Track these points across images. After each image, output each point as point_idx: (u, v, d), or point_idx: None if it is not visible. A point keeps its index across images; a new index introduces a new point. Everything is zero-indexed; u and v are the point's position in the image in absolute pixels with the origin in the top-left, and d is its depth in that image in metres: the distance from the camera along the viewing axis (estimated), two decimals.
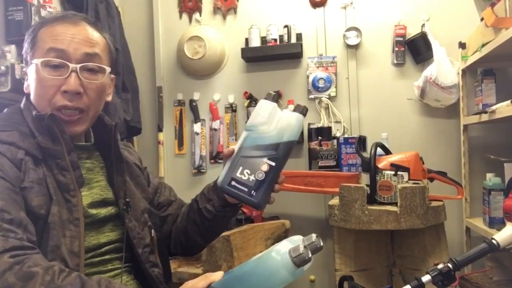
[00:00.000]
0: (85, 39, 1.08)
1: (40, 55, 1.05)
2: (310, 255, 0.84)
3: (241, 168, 1.04)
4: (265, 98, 1.09)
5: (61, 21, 1.08)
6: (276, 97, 1.10)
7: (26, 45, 1.10)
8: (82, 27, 1.09)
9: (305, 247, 0.84)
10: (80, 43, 1.07)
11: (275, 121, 1.06)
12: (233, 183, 1.04)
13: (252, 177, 1.03)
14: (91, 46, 1.08)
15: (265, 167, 1.03)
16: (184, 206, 1.31)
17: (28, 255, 0.86)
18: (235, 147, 1.08)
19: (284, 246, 0.85)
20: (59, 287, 0.83)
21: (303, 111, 1.08)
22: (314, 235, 0.87)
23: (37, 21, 1.12)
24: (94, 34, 1.10)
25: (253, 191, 1.03)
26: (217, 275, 0.90)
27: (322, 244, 0.86)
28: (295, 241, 0.86)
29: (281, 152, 1.05)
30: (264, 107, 1.08)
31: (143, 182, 1.26)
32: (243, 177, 1.03)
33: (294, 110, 1.09)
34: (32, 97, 1.09)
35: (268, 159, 1.04)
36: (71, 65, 1.05)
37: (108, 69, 1.12)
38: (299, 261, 0.83)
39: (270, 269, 0.83)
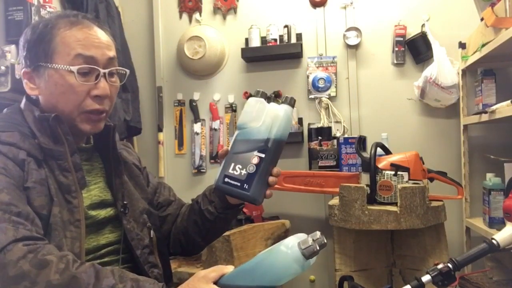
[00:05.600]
0: (106, 43, 1.09)
1: (67, 61, 1.04)
2: (318, 248, 0.85)
3: (233, 164, 1.05)
4: (253, 96, 1.11)
5: (78, 25, 1.07)
6: (264, 94, 1.11)
7: (38, 47, 1.06)
8: (96, 30, 1.10)
9: (313, 240, 0.85)
10: (104, 47, 1.08)
11: (263, 116, 1.07)
12: (227, 179, 1.05)
13: (243, 171, 1.04)
14: (110, 49, 1.10)
15: (255, 160, 1.05)
16: (184, 206, 1.31)
17: (41, 245, 0.86)
18: (229, 146, 1.09)
19: (292, 240, 0.86)
20: (74, 275, 0.83)
21: (291, 102, 1.10)
22: (318, 232, 0.88)
23: (43, 21, 1.09)
24: (107, 37, 1.12)
25: (245, 185, 1.04)
26: (229, 268, 0.90)
27: (325, 241, 0.87)
28: (301, 237, 0.87)
29: (271, 144, 1.05)
30: (252, 104, 1.10)
31: (142, 182, 1.25)
32: (235, 172, 1.04)
33: (282, 102, 1.11)
34: (49, 100, 1.07)
35: (258, 151, 1.05)
36: (101, 71, 1.07)
37: (128, 71, 1.16)
38: (308, 252, 0.84)
39: (280, 262, 0.84)
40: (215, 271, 0.90)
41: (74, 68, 1.04)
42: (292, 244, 0.85)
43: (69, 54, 1.05)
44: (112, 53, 1.10)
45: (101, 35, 1.10)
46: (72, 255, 0.88)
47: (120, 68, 1.13)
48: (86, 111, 1.07)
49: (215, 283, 0.88)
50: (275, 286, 0.86)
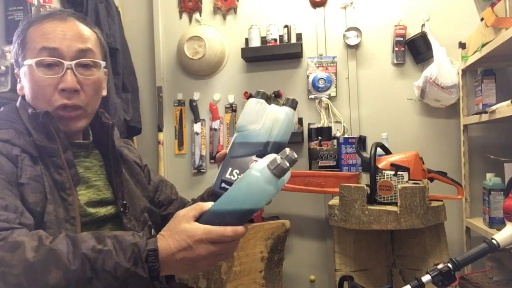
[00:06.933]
0: (76, 35, 1.07)
1: (33, 55, 1.04)
2: (288, 165, 0.83)
3: (230, 169, 1.01)
4: (254, 96, 1.07)
5: (49, 19, 1.07)
6: (265, 95, 1.07)
7: (16, 47, 1.08)
8: (72, 23, 1.08)
9: (282, 158, 0.83)
10: (73, 39, 1.06)
11: (263, 118, 1.03)
12: (223, 185, 1.01)
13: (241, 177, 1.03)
14: (83, 41, 1.07)
15: None
16: (186, 205, 1.31)
17: (12, 230, 0.83)
18: (227, 149, 1.06)
19: (262, 163, 0.84)
20: (50, 248, 0.80)
21: (292, 104, 1.06)
22: (287, 149, 0.87)
23: (24, 21, 1.11)
24: (84, 30, 1.09)
25: None
26: (209, 204, 0.87)
27: (296, 156, 0.86)
28: (270, 157, 0.85)
29: (271, 148, 1.02)
30: (252, 105, 1.05)
31: (143, 180, 1.25)
32: (232, 177, 1.00)
33: (283, 104, 1.07)
34: (28, 98, 1.08)
35: (257, 156, 1.01)
36: (66, 63, 1.04)
37: (103, 63, 1.12)
38: (279, 172, 0.82)
39: (254, 186, 0.83)
40: (194, 209, 0.87)
41: (32, 61, 1.03)
42: (262, 166, 0.83)
43: (35, 49, 1.04)
44: (84, 45, 1.07)
45: (75, 27, 1.07)
46: (44, 232, 0.85)
47: (86, 59, 1.07)
48: (56, 107, 1.04)
49: (197, 220, 0.85)
50: (255, 210, 0.85)
